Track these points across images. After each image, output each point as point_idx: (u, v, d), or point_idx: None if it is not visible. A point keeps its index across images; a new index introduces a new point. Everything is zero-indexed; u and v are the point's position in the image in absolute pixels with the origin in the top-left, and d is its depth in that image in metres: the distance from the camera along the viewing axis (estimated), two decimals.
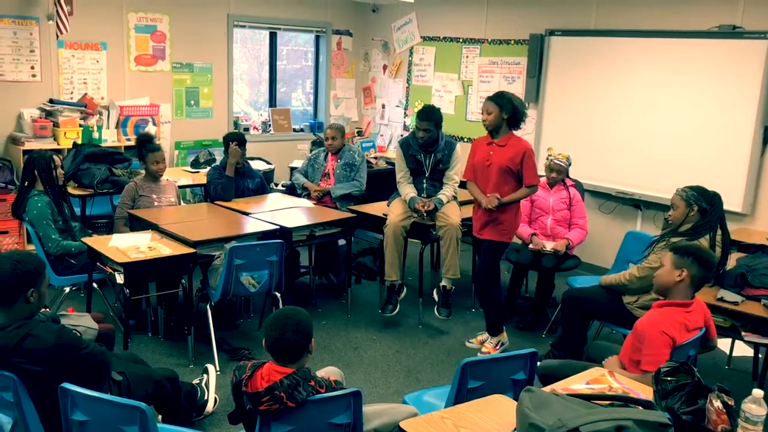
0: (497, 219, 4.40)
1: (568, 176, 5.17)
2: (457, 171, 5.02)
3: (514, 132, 4.39)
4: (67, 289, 4.52)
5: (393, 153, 7.15)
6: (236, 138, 5.23)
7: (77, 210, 5.34)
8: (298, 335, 2.41)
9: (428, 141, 4.86)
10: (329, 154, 5.73)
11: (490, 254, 4.52)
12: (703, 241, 3.70)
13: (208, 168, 5.76)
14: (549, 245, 4.93)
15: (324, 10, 8.12)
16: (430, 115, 4.83)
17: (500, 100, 4.29)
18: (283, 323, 2.43)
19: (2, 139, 6.05)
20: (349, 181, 5.66)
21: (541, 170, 5.09)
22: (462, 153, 5.09)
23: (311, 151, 6.91)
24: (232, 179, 5.18)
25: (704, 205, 3.80)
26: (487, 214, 4.40)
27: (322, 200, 5.55)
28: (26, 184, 4.49)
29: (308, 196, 5.59)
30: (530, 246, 4.96)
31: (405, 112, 8.07)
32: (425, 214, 4.81)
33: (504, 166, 4.32)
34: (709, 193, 3.85)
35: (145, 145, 4.97)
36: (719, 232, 3.82)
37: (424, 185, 5.01)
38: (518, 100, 4.36)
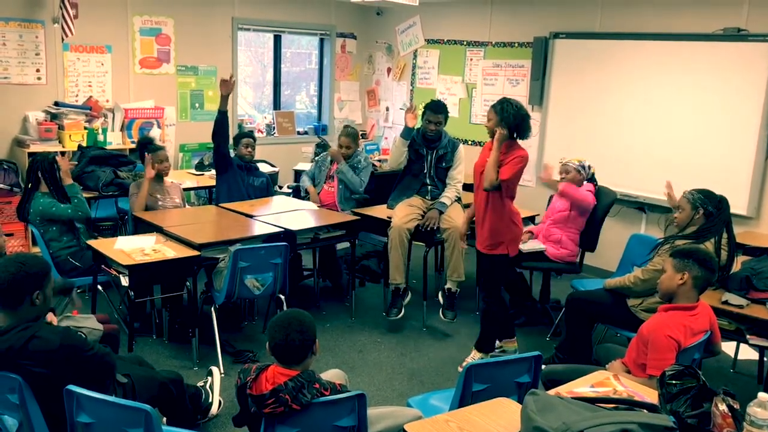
0: (487, 231, 4.16)
1: (591, 181, 5.03)
2: (460, 171, 5.02)
3: (521, 141, 4.11)
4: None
5: None
6: (249, 135, 5.44)
7: None
8: (302, 336, 2.41)
9: (437, 135, 4.89)
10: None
11: (487, 268, 4.31)
12: (708, 245, 3.70)
13: (212, 170, 5.79)
14: (523, 244, 4.86)
15: (328, 13, 8.13)
16: (441, 108, 4.89)
17: (497, 107, 4.06)
18: (287, 325, 2.43)
19: (8, 142, 6.08)
20: None
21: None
22: (465, 155, 5.10)
23: (316, 153, 6.91)
24: (226, 114, 5.16)
25: (710, 209, 3.79)
26: (481, 220, 4.18)
27: (324, 198, 5.58)
28: (30, 186, 4.50)
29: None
30: None
31: None
32: (428, 228, 4.83)
33: None
34: (715, 197, 3.84)
35: (147, 146, 4.99)
36: (725, 235, 3.81)
37: (428, 186, 5.02)
38: (516, 109, 4.02)
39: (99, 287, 4.42)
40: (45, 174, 4.47)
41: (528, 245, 4.95)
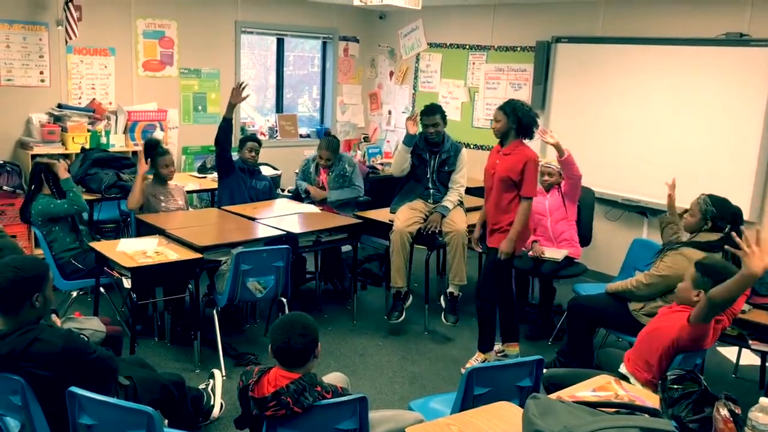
0: (501, 228, 4.27)
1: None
2: (463, 175, 5.03)
3: (527, 141, 4.27)
4: (75, 294, 4.54)
5: None
6: (254, 139, 5.45)
7: (84, 215, 5.36)
8: (304, 339, 2.42)
9: (439, 137, 4.88)
10: (320, 168, 5.67)
11: (489, 262, 4.38)
12: (717, 256, 3.69)
13: (215, 173, 5.80)
14: (548, 252, 4.94)
15: (331, 17, 8.14)
16: (434, 110, 4.87)
17: (507, 108, 4.19)
18: (289, 327, 2.44)
19: (11, 144, 6.09)
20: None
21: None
22: (468, 159, 5.11)
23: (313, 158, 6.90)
24: (231, 121, 5.19)
25: (719, 224, 3.77)
26: (492, 221, 4.33)
27: (323, 207, 5.55)
28: (33, 188, 4.51)
29: (313, 202, 5.60)
30: (529, 253, 4.96)
31: None
32: (430, 231, 4.84)
33: (504, 175, 4.19)
34: (729, 210, 3.79)
35: (154, 149, 5.00)
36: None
37: (430, 190, 5.02)
38: (526, 110, 4.21)
39: (101, 289, 4.43)
40: (48, 176, 4.49)
41: (556, 253, 4.93)
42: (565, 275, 5.01)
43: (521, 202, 4.20)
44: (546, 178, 5.10)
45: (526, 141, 4.29)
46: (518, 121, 4.16)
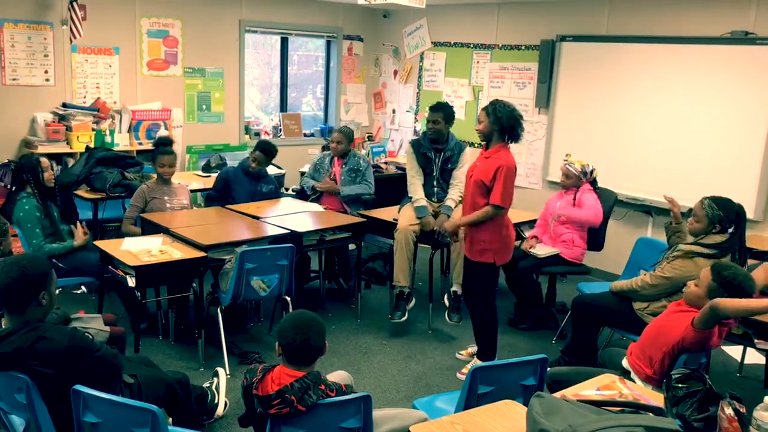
0: (473, 237, 4.10)
1: (591, 184, 5.03)
2: (464, 171, 4.99)
3: (511, 145, 4.03)
4: (80, 292, 4.54)
5: (403, 158, 7.14)
6: (263, 149, 5.35)
7: (89, 214, 5.38)
8: (321, 338, 2.46)
9: (437, 134, 4.88)
10: (335, 158, 5.70)
11: (470, 274, 4.22)
12: (724, 258, 3.69)
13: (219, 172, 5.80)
14: (538, 249, 4.99)
15: (335, 16, 8.15)
16: (439, 108, 4.90)
17: (489, 108, 3.97)
18: (306, 327, 2.46)
19: (16, 143, 6.11)
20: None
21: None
22: (471, 157, 5.10)
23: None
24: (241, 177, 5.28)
25: (727, 225, 3.76)
26: (467, 231, 4.13)
27: (329, 203, 5.54)
28: (14, 188, 4.48)
29: (317, 200, 5.59)
30: (522, 245, 5.01)
31: (415, 117, 8.08)
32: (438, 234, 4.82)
33: (478, 179, 3.99)
34: (733, 209, 3.77)
35: (157, 147, 5.02)
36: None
37: (435, 188, 5.02)
38: (508, 110, 3.94)
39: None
40: (28, 175, 4.39)
41: (541, 250, 4.97)
42: (556, 272, 5.08)
43: (489, 206, 3.97)
44: (563, 179, 5.08)
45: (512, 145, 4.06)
46: (499, 122, 3.93)
